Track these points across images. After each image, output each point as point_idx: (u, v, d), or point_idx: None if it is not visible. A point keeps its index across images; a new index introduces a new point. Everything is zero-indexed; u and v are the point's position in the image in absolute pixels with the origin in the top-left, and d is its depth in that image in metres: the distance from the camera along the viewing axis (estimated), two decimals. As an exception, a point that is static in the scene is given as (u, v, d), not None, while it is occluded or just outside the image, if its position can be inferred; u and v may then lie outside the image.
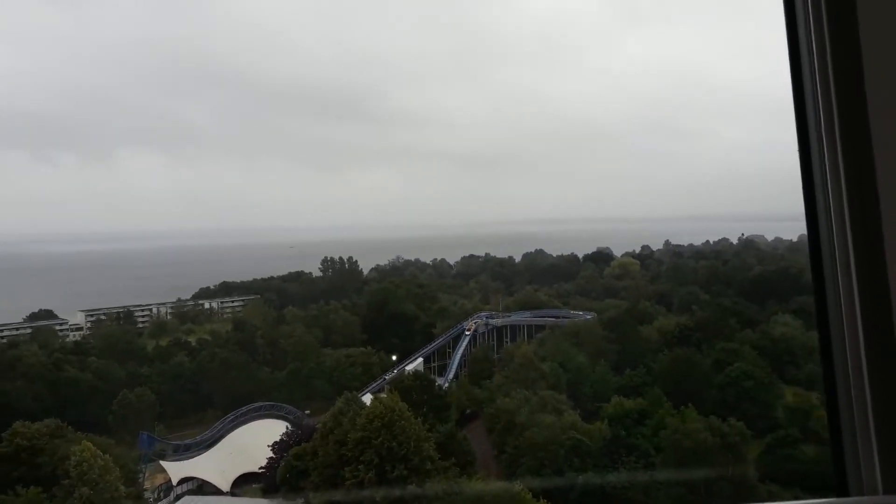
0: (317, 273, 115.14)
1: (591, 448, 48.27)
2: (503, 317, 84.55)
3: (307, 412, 67.91)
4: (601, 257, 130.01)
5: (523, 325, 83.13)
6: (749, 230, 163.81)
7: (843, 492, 2.68)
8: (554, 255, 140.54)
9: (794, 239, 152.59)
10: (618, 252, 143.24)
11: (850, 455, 2.63)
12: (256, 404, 67.85)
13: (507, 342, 79.83)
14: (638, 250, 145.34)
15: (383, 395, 64.19)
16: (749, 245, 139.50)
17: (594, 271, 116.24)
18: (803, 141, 2.74)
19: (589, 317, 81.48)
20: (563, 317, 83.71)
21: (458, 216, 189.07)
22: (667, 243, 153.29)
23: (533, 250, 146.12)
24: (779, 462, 47.51)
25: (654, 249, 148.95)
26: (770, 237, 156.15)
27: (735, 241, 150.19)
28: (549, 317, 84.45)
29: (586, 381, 63.37)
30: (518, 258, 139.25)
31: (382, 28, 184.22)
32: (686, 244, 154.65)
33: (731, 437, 43.37)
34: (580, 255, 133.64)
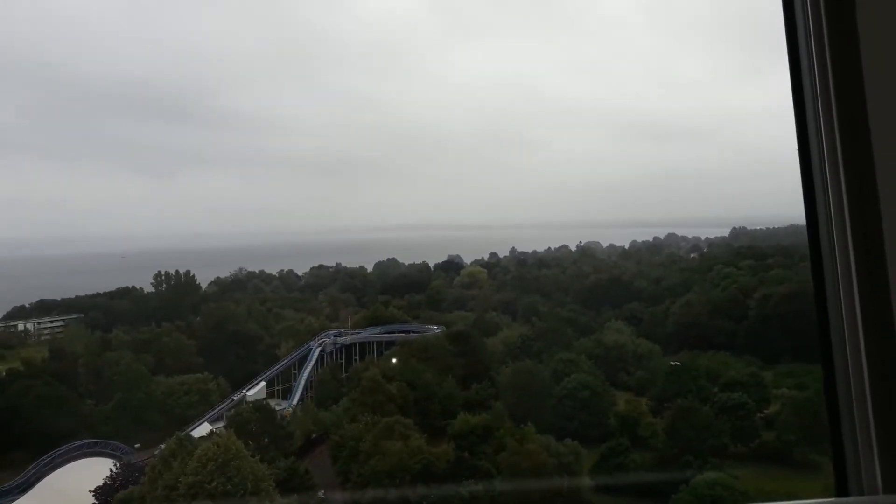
0: (149, 289, 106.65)
1: (439, 470, 48.30)
2: (352, 334, 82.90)
3: (136, 446, 62.82)
4: (452, 266, 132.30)
5: (373, 342, 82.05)
6: (586, 237, 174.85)
7: (843, 492, 2.64)
8: (406, 264, 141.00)
9: (626, 246, 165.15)
10: (468, 259, 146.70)
11: (850, 454, 2.61)
12: (77, 442, 61.53)
13: (356, 360, 78.33)
14: (486, 257, 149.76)
15: (220, 427, 60.78)
16: (586, 253, 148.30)
17: (445, 281, 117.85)
18: (803, 142, 2.74)
19: (438, 330, 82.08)
20: (413, 331, 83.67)
21: (306, 223, 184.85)
22: (513, 250, 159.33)
23: (385, 259, 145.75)
24: (611, 471, 50.09)
25: (502, 257, 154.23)
26: (605, 244, 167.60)
27: (574, 249, 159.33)
28: (399, 332, 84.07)
29: (434, 398, 63.54)
30: (370, 268, 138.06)
31: (208, 26, 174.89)
32: (530, 251, 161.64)
33: (566, 457, 45.25)
34: (431, 264, 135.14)
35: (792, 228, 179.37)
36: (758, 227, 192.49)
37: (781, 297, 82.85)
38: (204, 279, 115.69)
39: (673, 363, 67.38)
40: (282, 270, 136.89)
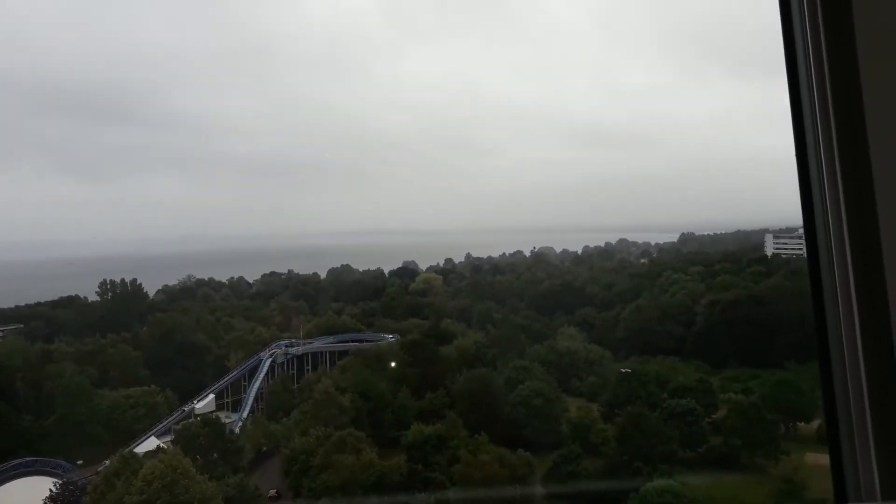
0: (93, 297, 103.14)
1: (392, 483, 47.98)
2: (304, 344, 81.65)
3: (79, 462, 60.60)
4: (407, 272, 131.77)
5: (326, 352, 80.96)
6: (540, 242, 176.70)
7: (841, 498, 2.64)
8: (360, 271, 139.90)
9: (579, 251, 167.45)
10: (423, 265, 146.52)
11: (848, 461, 2.60)
12: (16, 461, 58.75)
13: (308, 370, 77.21)
14: (442, 263, 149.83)
15: (168, 440, 59.20)
16: (540, 258, 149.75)
17: (399, 288, 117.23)
18: (800, 148, 2.75)
19: (392, 338, 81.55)
20: (367, 340, 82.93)
21: (257, 228, 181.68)
22: (468, 256, 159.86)
23: (339, 265, 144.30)
24: (564, 479, 50.45)
25: (457, 262, 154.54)
26: (558, 249, 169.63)
27: (528, 254, 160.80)
28: (352, 341, 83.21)
29: (388, 408, 63.06)
30: (323, 274, 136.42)
31: (153, 27, 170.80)
32: (485, 256, 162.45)
33: (520, 469, 45.39)
34: (386, 271, 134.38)
35: (739, 234, 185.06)
36: (705, 233, 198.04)
37: (728, 302, 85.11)
38: (151, 287, 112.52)
39: (623, 370, 68.34)
40: (232, 277, 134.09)
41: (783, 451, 52.48)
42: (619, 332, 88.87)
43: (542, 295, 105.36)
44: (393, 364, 70.51)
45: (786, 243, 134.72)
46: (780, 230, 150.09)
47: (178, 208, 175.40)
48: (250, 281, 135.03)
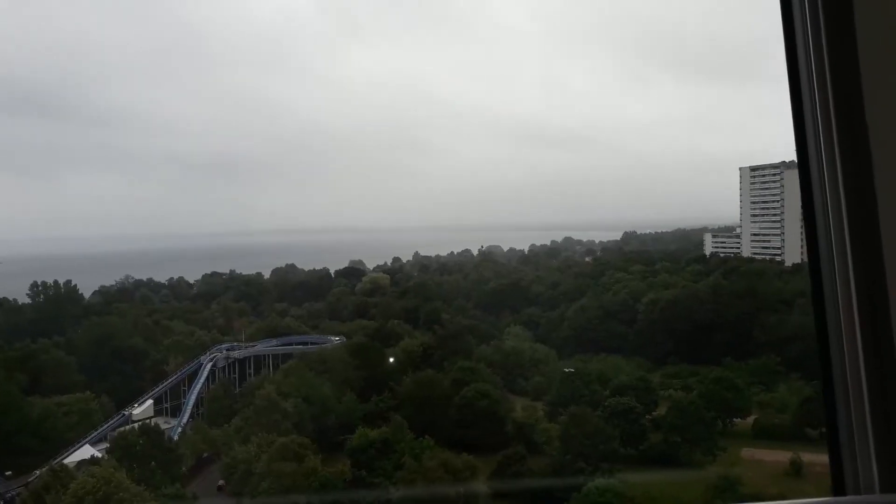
0: (24, 299, 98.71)
1: (336, 489, 47.44)
2: (247, 347, 79.96)
3: (7, 473, 57.95)
4: (354, 272, 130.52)
5: (268, 355, 79.42)
6: (488, 240, 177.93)
7: (840, 491, 2.66)
8: (305, 271, 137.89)
9: (526, 250, 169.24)
10: (370, 264, 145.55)
11: (847, 454, 2.63)
12: (-63, 474, 55.99)
13: (250, 374, 75.64)
14: (389, 262, 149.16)
15: (104, 448, 57.19)
16: (487, 257, 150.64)
17: (346, 288, 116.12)
18: (802, 155, 2.77)
19: (338, 340, 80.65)
20: (312, 343, 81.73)
21: (198, 227, 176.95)
22: (416, 255, 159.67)
23: (283, 265, 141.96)
24: (508, 480, 50.78)
25: (405, 261, 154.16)
26: (506, 247, 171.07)
27: (476, 252, 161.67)
28: (296, 343, 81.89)
29: (332, 412, 62.29)
30: (267, 274, 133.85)
31: (89, 19, 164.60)
32: (433, 255, 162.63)
33: (464, 474, 45.43)
34: (332, 270, 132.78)
35: (679, 233, 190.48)
36: (647, 231, 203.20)
37: (667, 301, 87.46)
38: (86, 288, 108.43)
39: (567, 370, 69.28)
40: (172, 278, 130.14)
41: (720, 448, 54.19)
42: (563, 330, 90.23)
43: (489, 294, 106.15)
44: (391, 360, 70.09)
45: (723, 242, 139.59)
46: (719, 229, 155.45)
47: (116, 206, 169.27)
48: (191, 281, 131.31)
